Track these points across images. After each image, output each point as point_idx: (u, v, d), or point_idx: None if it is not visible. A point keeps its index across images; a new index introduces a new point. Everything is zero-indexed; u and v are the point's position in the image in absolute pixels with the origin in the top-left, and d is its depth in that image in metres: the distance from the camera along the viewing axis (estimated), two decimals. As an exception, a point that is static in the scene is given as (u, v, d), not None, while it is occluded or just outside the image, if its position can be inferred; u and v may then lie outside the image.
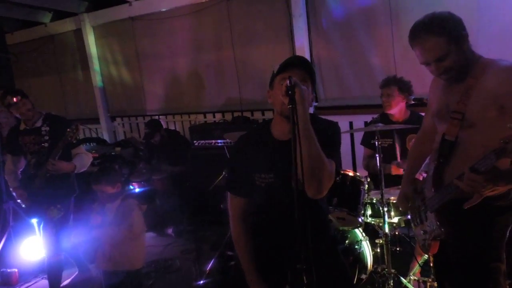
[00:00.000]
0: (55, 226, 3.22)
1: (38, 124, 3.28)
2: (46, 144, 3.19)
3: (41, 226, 3.37)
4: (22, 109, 3.23)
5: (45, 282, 3.77)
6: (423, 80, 3.64)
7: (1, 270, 3.82)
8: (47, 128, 3.23)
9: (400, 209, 2.81)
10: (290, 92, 1.49)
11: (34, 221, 3.46)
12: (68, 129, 3.08)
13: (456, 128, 1.75)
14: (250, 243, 1.83)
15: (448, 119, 1.78)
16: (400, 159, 3.14)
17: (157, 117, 5.93)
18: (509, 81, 1.66)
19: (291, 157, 1.64)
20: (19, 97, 3.20)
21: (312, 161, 1.54)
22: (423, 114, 3.27)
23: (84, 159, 3.34)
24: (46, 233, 3.29)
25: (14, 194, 3.48)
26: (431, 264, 2.61)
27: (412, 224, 2.17)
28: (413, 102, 3.15)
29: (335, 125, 1.79)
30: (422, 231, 1.97)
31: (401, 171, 3.11)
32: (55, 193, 3.22)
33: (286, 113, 1.66)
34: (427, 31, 1.70)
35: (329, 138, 1.64)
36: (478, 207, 1.70)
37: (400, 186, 2.92)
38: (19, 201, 3.54)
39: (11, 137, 3.43)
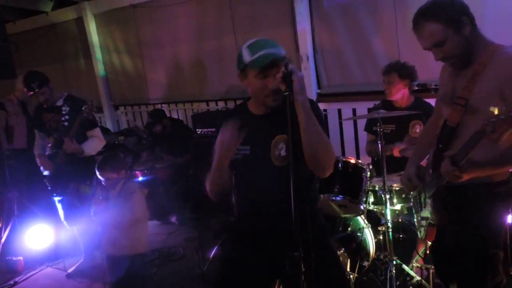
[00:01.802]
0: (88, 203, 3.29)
1: (59, 103, 3.41)
2: (66, 123, 3.30)
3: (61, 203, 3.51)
4: (40, 98, 3.39)
5: (50, 270, 3.83)
6: (427, 65, 3.58)
7: (7, 258, 3.86)
8: (67, 108, 3.34)
9: (404, 190, 2.80)
10: (286, 80, 1.47)
11: (56, 199, 3.54)
12: (84, 106, 3.20)
13: (459, 114, 1.72)
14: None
15: (452, 105, 1.76)
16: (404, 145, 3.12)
17: (159, 105, 5.92)
18: None
19: (269, 130, 1.69)
20: (36, 90, 3.32)
21: (321, 150, 1.58)
22: (427, 100, 3.25)
23: (95, 143, 3.44)
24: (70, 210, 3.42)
25: (38, 160, 3.55)
26: (427, 251, 2.61)
27: (414, 211, 2.17)
28: (416, 87, 3.10)
29: (314, 102, 1.77)
30: (420, 218, 1.97)
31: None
32: (77, 173, 3.35)
33: (270, 104, 1.68)
34: (423, 17, 1.70)
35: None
36: (479, 193, 1.69)
37: (401, 173, 2.94)
38: (42, 168, 3.55)
39: (36, 113, 3.58)
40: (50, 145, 3.48)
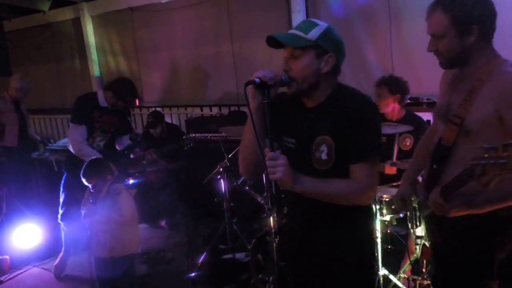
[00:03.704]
0: None
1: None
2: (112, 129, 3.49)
3: None
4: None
5: (37, 270, 3.79)
6: (420, 79, 3.66)
7: (-7, 257, 3.83)
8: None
9: (394, 207, 2.81)
10: (262, 90, 1.49)
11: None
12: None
13: (454, 133, 1.59)
14: None
15: (447, 122, 1.63)
16: (396, 159, 3.14)
17: (153, 109, 5.91)
18: (510, 91, 1.48)
19: (313, 126, 1.59)
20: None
21: (338, 201, 1.55)
22: (419, 113, 3.30)
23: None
24: None
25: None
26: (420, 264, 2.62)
27: (409, 226, 2.13)
28: (408, 101, 3.15)
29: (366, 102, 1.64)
30: (415, 236, 1.96)
31: (394, 170, 3.12)
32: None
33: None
34: (438, 4, 1.59)
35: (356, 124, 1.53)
36: (481, 220, 1.54)
37: (392, 184, 2.97)
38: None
39: (86, 108, 3.41)
40: (98, 138, 3.44)
